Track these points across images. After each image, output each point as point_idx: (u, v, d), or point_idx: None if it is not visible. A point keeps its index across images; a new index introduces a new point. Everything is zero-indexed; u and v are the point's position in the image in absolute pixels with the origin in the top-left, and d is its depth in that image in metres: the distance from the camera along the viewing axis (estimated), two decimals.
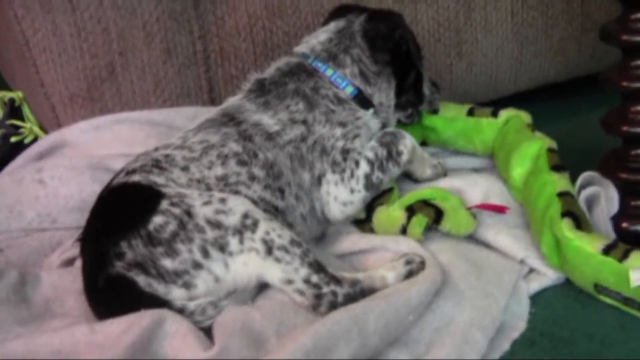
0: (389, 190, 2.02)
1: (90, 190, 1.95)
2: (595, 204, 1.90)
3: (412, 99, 2.16)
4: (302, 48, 2.08)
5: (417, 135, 2.21)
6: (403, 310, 1.65)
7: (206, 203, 1.73)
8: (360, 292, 1.72)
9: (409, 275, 1.77)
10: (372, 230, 1.98)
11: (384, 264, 1.81)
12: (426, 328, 1.68)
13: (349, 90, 2.03)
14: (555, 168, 1.94)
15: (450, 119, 2.23)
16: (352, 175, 1.95)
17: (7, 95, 2.48)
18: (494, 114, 2.19)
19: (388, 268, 1.78)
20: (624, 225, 1.89)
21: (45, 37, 2.11)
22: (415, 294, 1.68)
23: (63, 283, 1.84)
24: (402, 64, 2.08)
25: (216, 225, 1.71)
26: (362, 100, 2.05)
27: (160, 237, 1.68)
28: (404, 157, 2.01)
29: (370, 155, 1.98)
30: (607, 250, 1.72)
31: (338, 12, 2.15)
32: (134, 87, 2.19)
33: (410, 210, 1.91)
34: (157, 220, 1.69)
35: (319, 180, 1.95)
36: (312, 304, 1.70)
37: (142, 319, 1.59)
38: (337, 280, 1.71)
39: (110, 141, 2.13)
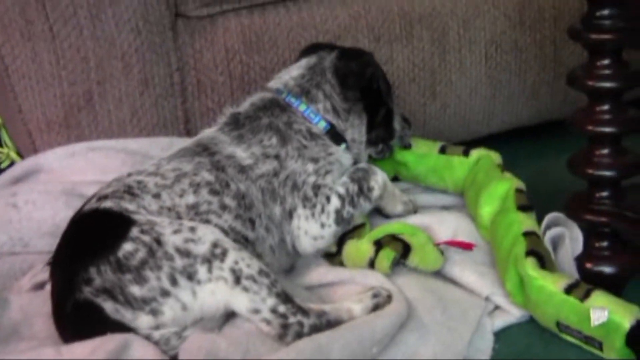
0: (361, 225, 2.04)
1: (64, 215, 1.96)
2: (560, 245, 1.93)
3: (383, 135, 2.19)
4: (275, 83, 2.11)
5: (389, 170, 2.24)
6: (367, 342, 1.67)
7: (176, 231, 1.74)
8: (327, 324, 1.73)
9: (376, 308, 1.78)
10: (341, 264, 2.00)
11: (351, 297, 1.83)
12: None
13: (322, 125, 2.06)
14: (522, 208, 1.97)
15: (422, 155, 2.26)
16: (322, 210, 1.97)
17: None
18: (465, 153, 2.22)
19: (355, 301, 1.80)
20: (588, 265, 1.91)
21: (24, 63, 2.14)
22: (380, 327, 1.70)
23: (32, 306, 1.84)
24: (372, 101, 2.11)
25: (185, 253, 1.72)
26: (335, 136, 2.07)
27: (129, 264, 1.69)
28: (375, 193, 2.04)
29: (342, 190, 2.00)
30: (569, 290, 1.74)
31: (310, 50, 2.19)
32: (111, 116, 2.21)
33: (378, 245, 1.93)
34: (127, 247, 1.71)
35: (289, 214, 1.97)
36: (278, 333, 1.71)
37: (108, 342, 1.60)
38: (304, 311, 1.73)
39: (84, 168, 2.15)
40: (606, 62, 1.83)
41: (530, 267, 1.80)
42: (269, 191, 1.95)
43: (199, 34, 2.27)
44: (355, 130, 2.11)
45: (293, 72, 2.11)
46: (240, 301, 1.72)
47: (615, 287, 1.87)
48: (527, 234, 1.88)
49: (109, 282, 1.68)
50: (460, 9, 2.48)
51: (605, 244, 1.91)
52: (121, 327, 1.67)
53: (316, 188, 1.98)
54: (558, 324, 1.76)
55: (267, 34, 2.32)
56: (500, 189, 2.05)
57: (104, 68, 2.18)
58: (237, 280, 1.71)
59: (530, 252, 1.82)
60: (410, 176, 2.30)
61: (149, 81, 2.22)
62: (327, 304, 1.80)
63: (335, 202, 1.98)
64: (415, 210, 2.17)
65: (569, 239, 1.92)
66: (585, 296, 1.72)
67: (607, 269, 1.90)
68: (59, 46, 2.14)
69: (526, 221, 1.92)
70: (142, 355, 1.59)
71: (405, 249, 1.91)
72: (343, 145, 2.08)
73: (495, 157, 2.19)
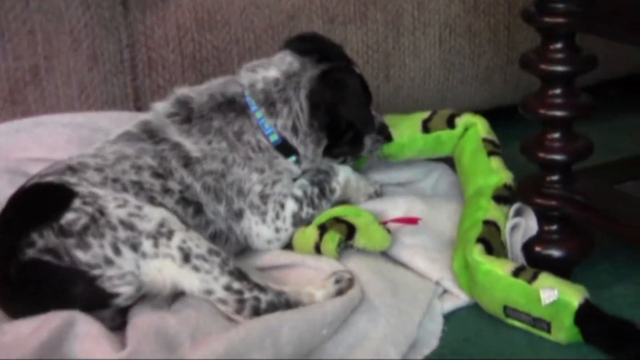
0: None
1: (7, 193, 1.90)
2: (514, 233, 1.93)
3: (348, 151, 2.09)
4: (245, 76, 2.00)
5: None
6: (318, 324, 1.66)
7: (120, 206, 1.72)
8: (286, 304, 1.71)
9: (339, 294, 1.76)
10: (291, 249, 1.99)
11: (311, 282, 1.81)
12: (340, 343, 1.69)
13: (273, 138, 1.98)
14: (497, 198, 1.95)
15: (406, 143, 2.17)
16: (277, 216, 1.95)
17: None
18: (450, 124, 2.14)
19: (317, 286, 1.78)
20: (537, 249, 1.92)
21: None
22: (331, 309, 1.69)
23: None
24: (336, 133, 2.03)
25: (129, 226, 1.69)
26: (285, 149, 2.00)
27: (72, 230, 1.67)
28: (337, 194, 2.02)
29: (299, 193, 1.98)
30: (516, 273, 1.75)
31: (305, 40, 2.08)
32: (59, 92, 2.17)
33: (323, 228, 1.92)
34: (69, 216, 1.68)
35: (239, 213, 1.94)
36: (235, 309, 1.69)
37: (52, 320, 1.57)
38: (261, 288, 1.71)
39: (29, 144, 2.10)
40: (559, 46, 1.83)
41: (477, 252, 1.80)
42: (215, 190, 1.91)
43: (150, 10, 2.23)
44: (309, 150, 2.03)
45: (270, 72, 1.99)
46: (191, 281, 1.69)
47: (563, 271, 1.89)
48: (486, 223, 1.88)
49: (53, 244, 1.65)
50: None
51: (554, 227, 1.93)
52: (71, 272, 1.64)
53: (265, 197, 1.94)
54: (505, 309, 1.77)
55: (219, 12, 2.29)
56: (490, 183, 2.01)
57: (51, 42, 2.13)
58: (186, 258, 1.69)
59: (480, 240, 1.83)
60: (403, 160, 2.22)
61: (98, 57, 2.18)
62: (286, 286, 1.79)
63: (291, 206, 1.96)
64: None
65: (525, 227, 1.93)
66: (533, 278, 1.74)
67: (556, 253, 1.91)
68: (3, 18, 2.09)
69: (493, 211, 1.91)
70: (88, 332, 1.57)
71: (349, 230, 1.91)
72: (293, 158, 2.01)
73: (482, 125, 2.11)
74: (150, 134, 1.91)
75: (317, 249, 1.92)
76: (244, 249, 1.99)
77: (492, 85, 2.64)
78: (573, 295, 1.69)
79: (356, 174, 2.11)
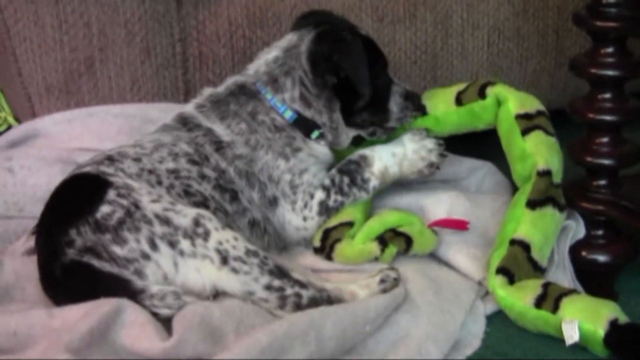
0: (347, 223, 1.96)
1: (59, 182, 1.96)
2: (562, 236, 1.92)
3: (371, 118, 2.04)
4: (251, 67, 2.04)
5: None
6: (361, 320, 1.67)
7: (154, 201, 1.74)
8: (327, 299, 1.72)
9: (383, 293, 1.77)
10: (327, 259, 1.95)
11: (356, 280, 1.82)
12: (382, 340, 1.70)
13: (288, 114, 1.97)
14: (532, 204, 1.89)
15: (441, 116, 2.09)
16: (305, 205, 1.95)
17: None
18: (481, 94, 2.05)
19: (362, 286, 1.79)
20: (583, 253, 1.92)
21: (26, 27, 2.13)
22: (373, 306, 1.70)
23: (25, 270, 1.84)
24: (342, 87, 1.98)
25: (165, 221, 1.71)
26: (303, 125, 1.99)
27: (108, 224, 1.69)
28: (372, 184, 1.98)
29: (327, 182, 1.97)
30: (538, 304, 1.74)
31: (305, 18, 2.09)
32: (112, 83, 2.21)
33: (383, 243, 1.90)
34: (104, 209, 1.71)
35: (273, 201, 1.95)
36: (278, 305, 1.71)
37: (101, 306, 1.60)
38: (302, 284, 1.72)
39: (81, 134, 2.14)
40: (610, 50, 1.83)
41: (498, 286, 1.80)
42: (247, 175, 1.92)
43: (202, 5, 2.26)
44: (325, 115, 2.00)
45: (270, 54, 2.02)
46: (230, 283, 1.71)
47: (608, 275, 1.89)
48: (513, 242, 1.85)
49: (91, 242, 1.68)
50: None
51: (600, 232, 1.92)
52: (115, 279, 1.67)
53: (294, 187, 1.95)
54: (540, 332, 1.77)
55: (271, 9, 2.31)
56: (524, 171, 1.95)
57: (106, 35, 2.17)
58: (224, 260, 1.70)
59: (500, 270, 1.82)
60: (440, 135, 2.12)
61: (150, 50, 2.21)
62: (329, 282, 1.79)
63: (319, 195, 1.96)
64: (433, 173, 2.04)
65: (573, 231, 1.92)
66: (555, 307, 1.72)
67: (601, 258, 1.91)
68: (62, 10, 2.13)
69: (523, 225, 1.87)
70: (135, 319, 1.59)
71: (407, 243, 1.91)
72: (316, 133, 1.99)
73: (513, 100, 2.00)
74: (184, 122, 1.94)
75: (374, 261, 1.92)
76: (284, 247, 2.01)
77: (539, 89, 2.62)
78: (597, 323, 1.67)
79: (404, 155, 2.01)
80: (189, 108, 1.99)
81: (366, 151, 2.01)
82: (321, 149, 2.01)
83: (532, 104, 2.01)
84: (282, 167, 1.95)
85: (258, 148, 1.94)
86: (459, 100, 2.07)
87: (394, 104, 2.05)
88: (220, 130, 1.93)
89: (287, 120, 1.97)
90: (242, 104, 1.97)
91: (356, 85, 1.95)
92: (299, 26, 2.07)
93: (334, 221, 1.96)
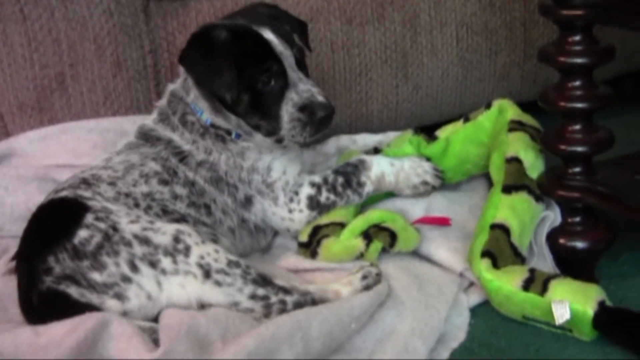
0: (339, 224, 1.98)
1: (37, 200, 1.95)
2: (542, 225, 1.94)
3: (264, 124, 1.92)
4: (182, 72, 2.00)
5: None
6: (346, 318, 1.68)
7: (133, 221, 1.74)
8: (312, 302, 1.73)
9: (366, 290, 1.77)
10: (312, 256, 1.95)
11: (339, 279, 1.82)
12: (369, 338, 1.71)
13: (204, 117, 1.95)
14: (507, 189, 1.94)
15: (451, 135, 2.16)
16: (291, 200, 1.96)
17: None
18: (488, 107, 2.16)
19: (344, 283, 1.79)
20: (562, 241, 1.93)
21: None
22: (358, 304, 1.71)
23: (7, 291, 1.83)
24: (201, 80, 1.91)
25: (144, 240, 1.71)
26: (217, 127, 1.95)
27: (86, 250, 1.69)
28: (367, 189, 2.01)
29: (317, 179, 1.98)
30: (526, 286, 1.76)
31: (244, 12, 2.03)
32: (84, 98, 2.20)
33: (368, 238, 1.92)
34: (82, 234, 1.71)
35: (247, 200, 1.95)
36: (263, 314, 1.72)
37: (87, 320, 1.60)
38: (286, 290, 1.73)
39: (56, 151, 2.14)
40: (577, 38, 1.84)
41: (484, 269, 1.81)
42: (215, 180, 1.92)
43: (171, 16, 2.26)
44: (226, 117, 1.93)
45: None
46: (215, 296, 1.71)
47: (588, 261, 1.90)
48: (494, 227, 1.88)
49: (69, 269, 1.68)
50: None
51: (578, 219, 1.93)
52: (91, 309, 1.66)
53: (270, 185, 1.95)
54: (525, 317, 1.78)
55: None
56: (497, 160, 2.02)
57: (76, 50, 2.17)
58: (207, 274, 1.71)
59: (485, 253, 1.84)
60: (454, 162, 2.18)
61: (121, 63, 2.21)
62: (312, 285, 1.80)
63: (306, 190, 1.97)
64: (428, 193, 2.08)
65: (551, 220, 1.94)
66: (544, 289, 1.74)
67: (580, 244, 1.91)
68: (30, 28, 2.13)
69: (501, 210, 1.91)
70: (122, 332, 1.59)
71: (392, 238, 1.92)
72: (234, 133, 1.95)
73: (512, 110, 2.10)
74: (146, 137, 1.94)
75: (359, 257, 1.92)
76: (269, 247, 2.02)
77: (509, 81, 2.65)
78: (587, 303, 1.70)
79: (401, 167, 2.03)
80: (147, 121, 1.99)
81: (366, 156, 2.04)
82: (264, 144, 1.95)
83: (530, 120, 2.11)
84: (245, 167, 1.94)
85: (214, 152, 1.93)
86: (467, 118, 2.18)
87: (285, 112, 1.91)
88: (177, 138, 1.93)
89: (206, 122, 1.95)
90: (175, 111, 1.95)
91: (210, 88, 1.89)
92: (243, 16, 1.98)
93: (325, 219, 1.98)
